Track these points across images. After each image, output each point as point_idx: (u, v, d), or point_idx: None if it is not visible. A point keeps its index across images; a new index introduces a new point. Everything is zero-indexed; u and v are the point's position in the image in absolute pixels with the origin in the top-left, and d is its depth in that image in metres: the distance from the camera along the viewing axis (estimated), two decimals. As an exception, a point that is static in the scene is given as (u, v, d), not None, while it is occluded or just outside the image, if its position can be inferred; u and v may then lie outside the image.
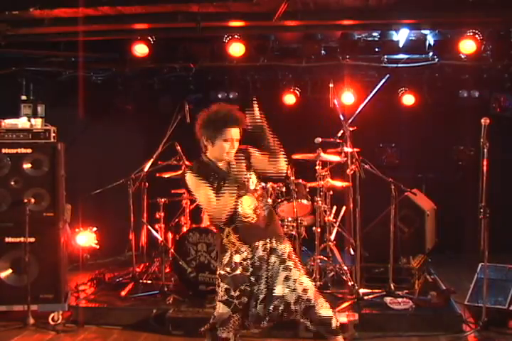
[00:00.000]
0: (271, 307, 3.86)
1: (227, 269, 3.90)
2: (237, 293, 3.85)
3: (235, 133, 3.89)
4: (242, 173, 3.86)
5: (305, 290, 3.85)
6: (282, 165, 3.89)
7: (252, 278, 3.90)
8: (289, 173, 6.16)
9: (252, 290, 3.89)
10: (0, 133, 5.72)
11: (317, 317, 3.84)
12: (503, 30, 7.11)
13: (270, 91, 8.52)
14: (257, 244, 3.92)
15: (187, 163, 6.42)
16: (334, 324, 3.85)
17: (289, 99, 8.42)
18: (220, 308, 3.89)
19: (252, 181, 3.99)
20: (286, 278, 3.88)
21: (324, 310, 3.86)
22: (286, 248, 3.98)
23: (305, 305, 3.84)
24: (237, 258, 3.90)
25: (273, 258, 3.92)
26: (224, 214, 3.80)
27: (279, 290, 3.87)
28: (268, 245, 3.94)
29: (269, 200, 4.05)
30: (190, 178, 3.89)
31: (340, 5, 6.14)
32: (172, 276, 6.40)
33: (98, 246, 7.41)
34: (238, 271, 3.88)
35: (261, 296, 3.89)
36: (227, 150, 3.89)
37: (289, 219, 6.46)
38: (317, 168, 6.42)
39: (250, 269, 3.90)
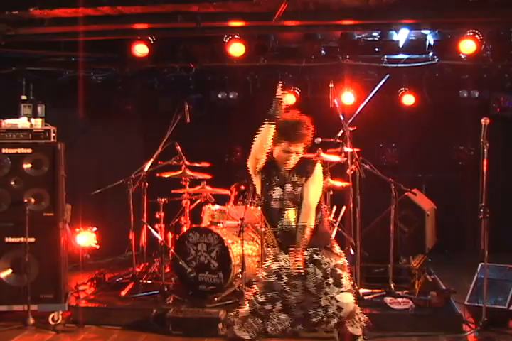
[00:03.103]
0: (311, 312, 3.89)
1: (264, 273, 3.99)
2: (263, 298, 3.92)
3: (294, 147, 3.97)
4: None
5: (339, 308, 3.84)
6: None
7: (287, 288, 3.91)
8: None
9: (283, 298, 3.91)
10: (0, 133, 5.71)
11: (345, 332, 3.90)
12: (503, 30, 7.12)
13: (270, 91, 8.47)
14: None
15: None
16: None
17: (289, 99, 8.40)
18: (244, 306, 3.98)
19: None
20: (325, 294, 3.87)
21: (354, 328, 3.91)
22: (331, 262, 3.91)
23: (337, 320, 3.87)
24: (274, 266, 3.95)
25: (317, 270, 3.89)
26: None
27: (322, 301, 3.88)
28: (309, 256, 3.91)
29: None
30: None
31: (340, 5, 6.14)
32: (172, 276, 6.40)
33: (98, 246, 7.40)
34: (272, 278, 3.94)
35: (295, 302, 3.90)
36: (283, 159, 3.95)
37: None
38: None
39: (285, 278, 3.92)
